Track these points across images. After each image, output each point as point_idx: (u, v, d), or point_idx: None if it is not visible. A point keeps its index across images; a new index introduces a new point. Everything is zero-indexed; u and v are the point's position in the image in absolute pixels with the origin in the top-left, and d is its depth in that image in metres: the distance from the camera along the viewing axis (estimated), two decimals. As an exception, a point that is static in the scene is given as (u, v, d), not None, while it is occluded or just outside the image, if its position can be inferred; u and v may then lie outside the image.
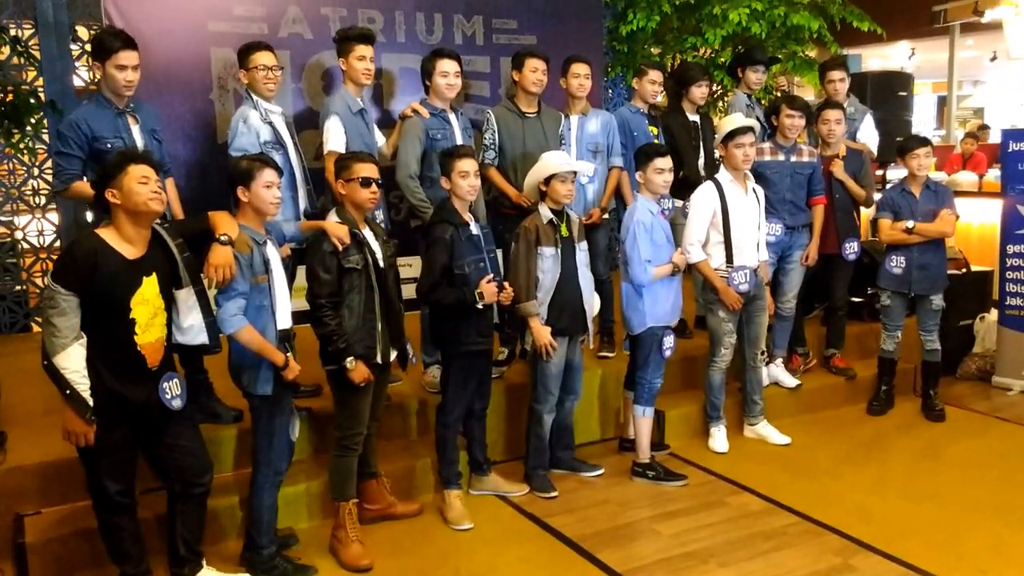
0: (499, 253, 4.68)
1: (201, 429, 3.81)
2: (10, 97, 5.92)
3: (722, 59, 8.55)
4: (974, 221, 8.19)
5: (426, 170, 4.97)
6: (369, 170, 4.02)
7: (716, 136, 5.31)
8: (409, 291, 4.58)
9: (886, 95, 7.75)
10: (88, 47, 6.03)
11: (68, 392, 3.19)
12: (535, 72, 5.26)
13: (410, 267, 5.66)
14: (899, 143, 6.01)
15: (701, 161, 6.00)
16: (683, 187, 5.64)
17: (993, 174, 9.53)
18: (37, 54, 6.15)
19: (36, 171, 6.45)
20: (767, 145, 5.74)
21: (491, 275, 4.39)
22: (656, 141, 5.69)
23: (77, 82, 6.34)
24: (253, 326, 3.63)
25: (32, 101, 5.98)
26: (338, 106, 4.78)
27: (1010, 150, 6.74)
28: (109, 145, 4.10)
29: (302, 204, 4.70)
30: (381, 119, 6.19)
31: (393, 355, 4.21)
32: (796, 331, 6.17)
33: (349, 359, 3.89)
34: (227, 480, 4.38)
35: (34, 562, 3.88)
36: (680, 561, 4.13)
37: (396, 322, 4.17)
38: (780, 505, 4.70)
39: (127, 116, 4.26)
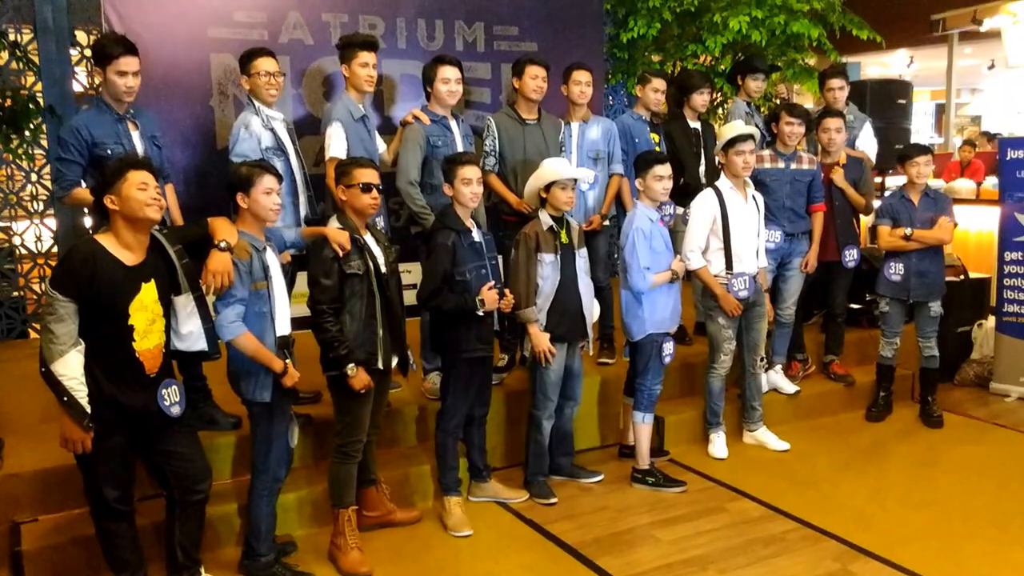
0: (500, 260, 4.68)
1: (200, 436, 3.80)
2: (9, 102, 5.90)
3: (722, 67, 8.56)
4: (972, 228, 8.21)
5: (426, 177, 4.97)
6: (370, 176, 4.01)
7: (716, 143, 5.32)
8: (409, 297, 4.57)
9: (885, 103, 7.77)
10: (87, 52, 6.04)
11: (65, 399, 3.18)
12: (535, 79, 5.27)
13: (410, 273, 5.65)
14: (900, 151, 6.03)
15: (702, 168, 6.00)
16: (684, 194, 5.66)
17: (991, 182, 9.55)
18: (36, 59, 6.14)
19: (35, 176, 6.43)
20: (767, 152, 5.75)
21: (492, 282, 4.39)
22: (657, 148, 5.70)
23: (76, 87, 6.33)
24: (252, 332, 3.62)
25: (31, 106, 5.97)
26: (340, 112, 4.79)
27: (1008, 158, 6.76)
28: (109, 151, 4.10)
29: (302, 210, 4.70)
30: (382, 125, 6.19)
31: (394, 362, 4.20)
32: (795, 338, 6.18)
33: (350, 365, 3.89)
34: (226, 487, 4.36)
35: (30, 570, 3.85)
36: (679, 567, 4.13)
37: (397, 328, 4.17)
38: (779, 511, 4.70)
39: (127, 122, 4.26)
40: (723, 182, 5.20)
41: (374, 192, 4.01)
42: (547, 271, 4.62)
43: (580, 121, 5.53)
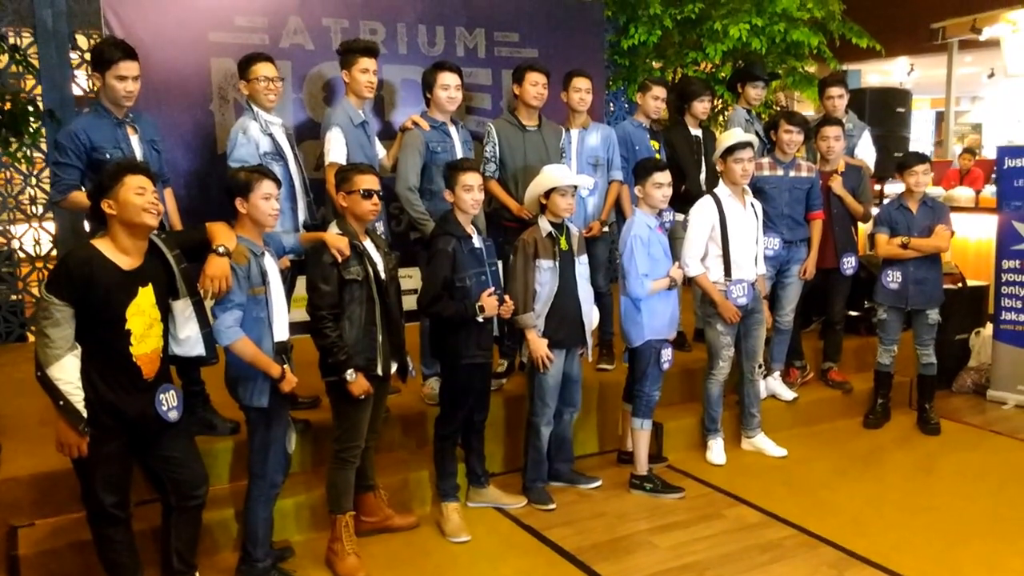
0: (500, 266, 4.68)
1: (197, 441, 3.81)
2: (8, 106, 5.91)
3: (723, 74, 8.58)
4: (971, 236, 8.21)
5: (425, 183, 4.98)
6: (370, 182, 4.01)
7: (715, 150, 5.33)
8: (409, 303, 4.58)
9: (884, 111, 7.79)
10: (87, 56, 6.04)
11: (61, 403, 3.17)
12: (535, 86, 5.27)
13: (410, 278, 5.65)
14: (898, 160, 6.04)
15: (703, 175, 6.01)
16: (685, 201, 5.66)
17: (990, 190, 9.56)
18: (36, 62, 6.14)
19: (34, 180, 6.43)
20: (766, 160, 5.76)
21: (492, 288, 4.40)
22: (657, 156, 5.70)
23: (76, 91, 6.33)
24: (250, 338, 3.62)
25: (30, 110, 5.97)
26: (340, 118, 4.79)
27: (1006, 166, 6.77)
28: (108, 155, 4.09)
29: (301, 215, 4.70)
30: (383, 131, 6.19)
31: (393, 367, 4.20)
32: (794, 344, 6.19)
33: (349, 371, 3.89)
34: (223, 492, 4.36)
35: (27, 574, 3.85)
36: (676, 573, 4.13)
37: (397, 334, 4.16)
38: (776, 517, 4.70)
39: (126, 126, 4.25)
40: (722, 189, 5.21)
41: (375, 198, 4.01)
42: (545, 277, 4.63)
43: (580, 128, 5.53)
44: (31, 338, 6.41)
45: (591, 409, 5.49)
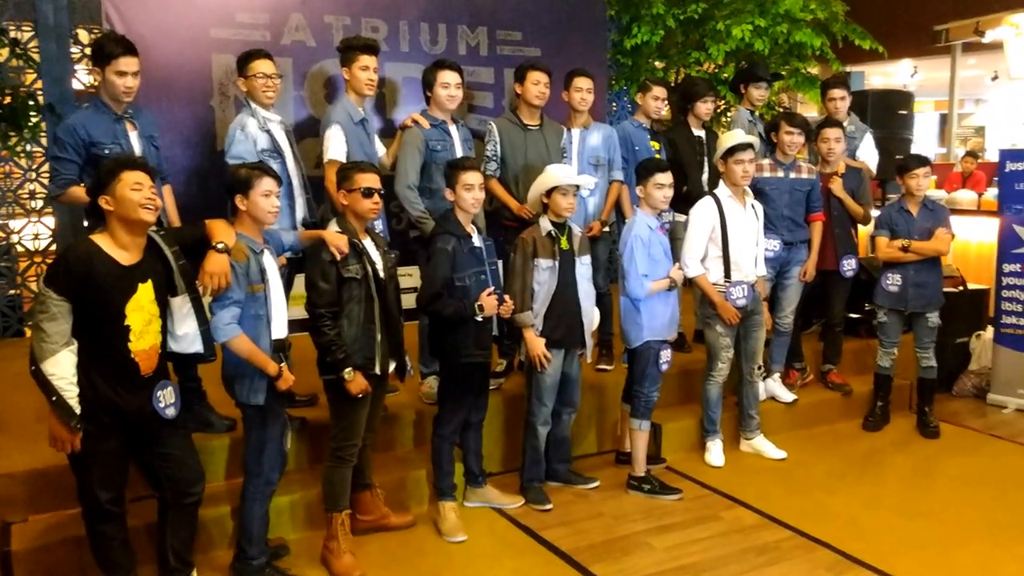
0: (500, 265, 4.67)
1: (193, 438, 3.79)
2: (8, 100, 5.90)
3: (725, 74, 8.57)
4: (972, 240, 8.20)
5: (425, 181, 4.97)
6: (371, 180, 4.01)
7: (714, 151, 5.32)
8: (408, 302, 4.56)
9: (886, 113, 7.78)
10: (88, 51, 6.03)
11: (54, 399, 3.15)
12: (537, 85, 5.26)
13: (411, 277, 5.64)
14: (899, 162, 6.02)
15: (705, 176, 6.00)
16: (687, 202, 5.63)
17: (992, 193, 9.56)
18: (36, 57, 6.13)
19: (33, 174, 6.43)
20: (766, 161, 5.75)
21: (491, 287, 4.39)
22: (658, 156, 5.69)
23: (77, 85, 6.32)
24: (247, 335, 3.61)
25: (30, 104, 5.96)
26: (339, 115, 4.78)
27: (1007, 170, 6.76)
28: (107, 151, 4.07)
29: (299, 213, 4.67)
30: (383, 129, 6.19)
31: (391, 366, 4.19)
32: (793, 346, 6.17)
33: (347, 369, 3.88)
34: (219, 489, 4.35)
35: (19, 571, 3.84)
36: (672, 575, 4.12)
37: (395, 333, 4.15)
38: (774, 520, 4.69)
39: (125, 122, 4.24)
40: (722, 190, 5.19)
41: (375, 197, 4.00)
42: (544, 276, 4.62)
43: (581, 127, 5.52)
44: (29, 333, 6.40)
45: (590, 409, 5.48)
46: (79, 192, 4.04)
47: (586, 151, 5.51)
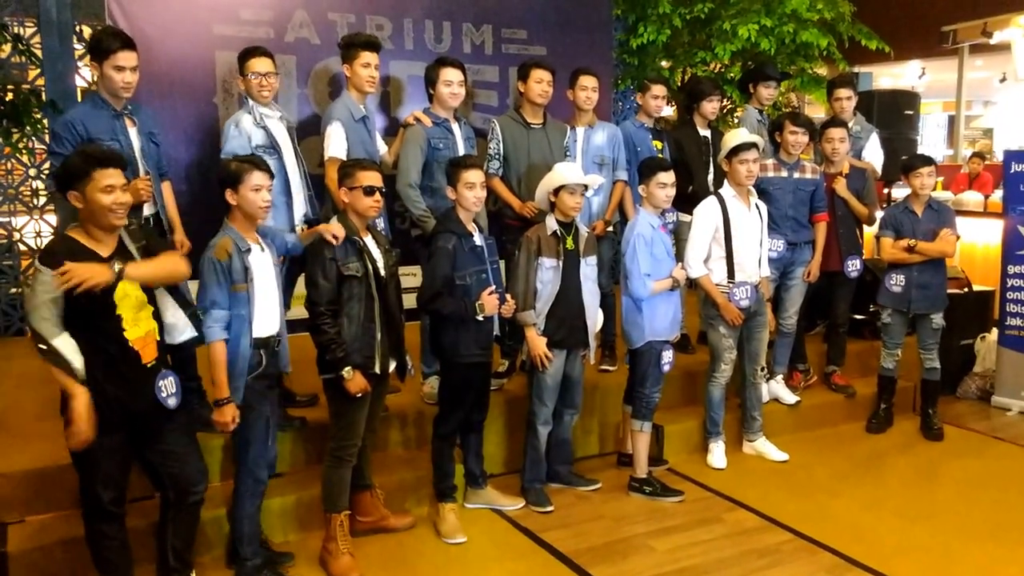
0: (502, 264, 4.65)
1: (193, 438, 3.78)
2: (10, 96, 5.88)
3: (731, 74, 8.54)
4: (979, 241, 8.15)
5: (426, 179, 4.94)
6: (373, 178, 3.98)
7: (720, 151, 5.29)
8: (409, 301, 4.54)
9: (892, 114, 7.75)
10: (90, 46, 6.03)
11: (74, 370, 3.16)
12: (540, 83, 5.24)
13: (414, 276, 5.61)
14: (903, 162, 5.99)
15: (711, 176, 5.97)
16: (692, 201, 5.59)
17: (999, 194, 9.52)
18: (39, 53, 6.12)
19: (35, 171, 6.41)
20: (771, 161, 5.72)
21: (492, 287, 4.37)
22: (660, 155, 5.66)
23: (80, 82, 6.31)
24: (229, 333, 3.59)
25: (33, 100, 5.95)
26: (340, 112, 4.75)
27: (1012, 171, 6.72)
28: (105, 147, 4.05)
29: (298, 210, 4.62)
30: (388, 127, 6.18)
31: (392, 366, 4.17)
32: (797, 348, 6.14)
33: (347, 368, 3.86)
34: (215, 491, 4.29)
35: (16, 572, 3.82)
36: (673, 578, 4.11)
37: (396, 332, 4.14)
38: (775, 522, 4.67)
39: (124, 118, 4.21)
40: (726, 190, 5.17)
41: (377, 195, 3.98)
42: (547, 276, 4.60)
43: (586, 126, 5.50)
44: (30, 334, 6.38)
45: (592, 410, 5.45)
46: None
47: (591, 150, 5.49)
